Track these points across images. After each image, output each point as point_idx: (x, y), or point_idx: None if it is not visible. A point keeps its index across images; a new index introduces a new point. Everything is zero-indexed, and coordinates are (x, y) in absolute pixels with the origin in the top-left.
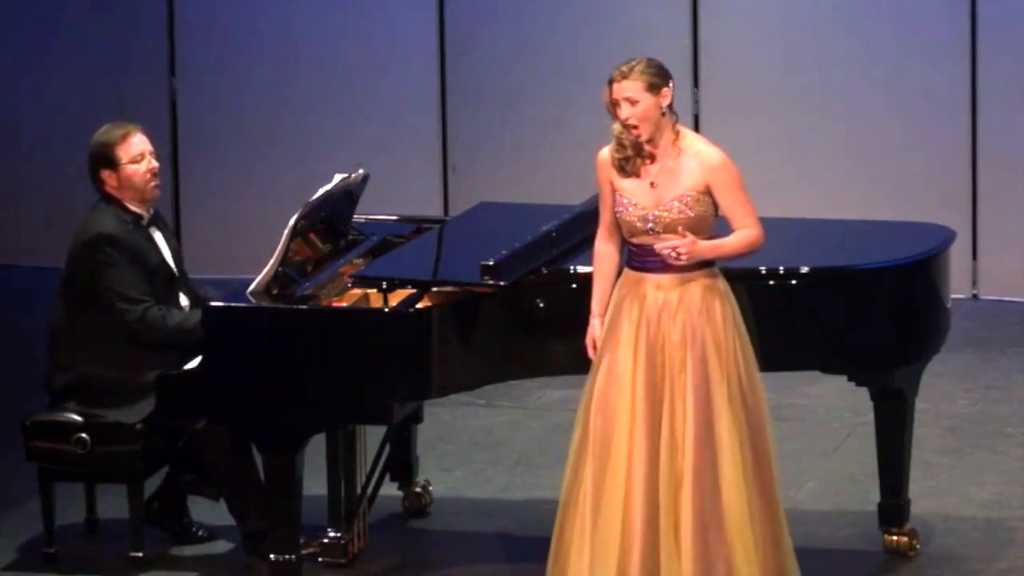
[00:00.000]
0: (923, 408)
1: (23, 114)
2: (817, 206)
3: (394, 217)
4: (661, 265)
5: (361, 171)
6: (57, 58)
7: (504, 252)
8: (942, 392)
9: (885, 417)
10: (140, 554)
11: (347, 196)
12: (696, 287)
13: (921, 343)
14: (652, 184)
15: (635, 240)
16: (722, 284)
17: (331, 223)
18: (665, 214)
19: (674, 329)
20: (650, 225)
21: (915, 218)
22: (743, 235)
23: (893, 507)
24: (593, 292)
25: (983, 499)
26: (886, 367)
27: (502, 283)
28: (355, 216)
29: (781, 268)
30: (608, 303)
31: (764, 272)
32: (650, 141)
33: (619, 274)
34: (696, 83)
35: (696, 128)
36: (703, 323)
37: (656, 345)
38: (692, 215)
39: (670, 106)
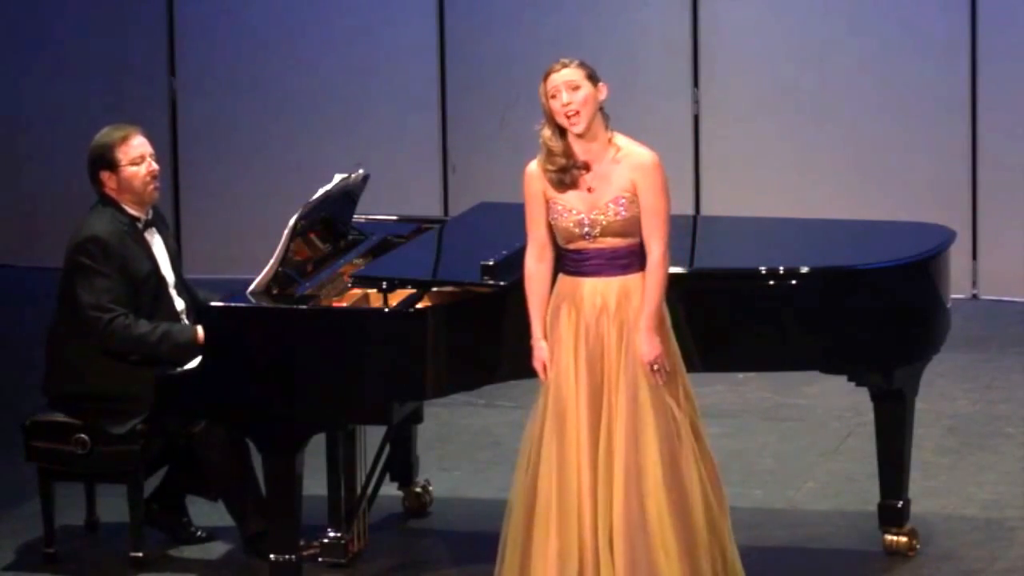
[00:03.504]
0: (923, 408)
1: (23, 114)
2: (817, 206)
3: (394, 217)
4: (596, 268)
5: (361, 171)
6: (57, 58)
7: (504, 252)
8: (942, 392)
9: (885, 417)
10: (140, 554)
11: (347, 196)
12: (631, 289)
13: (921, 343)
14: (589, 190)
15: (571, 246)
16: None
17: (331, 223)
18: (600, 217)
19: (612, 332)
20: (586, 229)
21: (915, 218)
22: (656, 280)
23: (893, 507)
24: (531, 315)
25: (983, 499)
26: (886, 367)
27: (502, 283)
28: (355, 216)
29: (781, 268)
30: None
31: (764, 272)
32: (583, 136)
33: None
34: (696, 83)
35: (696, 128)
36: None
37: (596, 351)
38: (627, 216)
39: (601, 108)
